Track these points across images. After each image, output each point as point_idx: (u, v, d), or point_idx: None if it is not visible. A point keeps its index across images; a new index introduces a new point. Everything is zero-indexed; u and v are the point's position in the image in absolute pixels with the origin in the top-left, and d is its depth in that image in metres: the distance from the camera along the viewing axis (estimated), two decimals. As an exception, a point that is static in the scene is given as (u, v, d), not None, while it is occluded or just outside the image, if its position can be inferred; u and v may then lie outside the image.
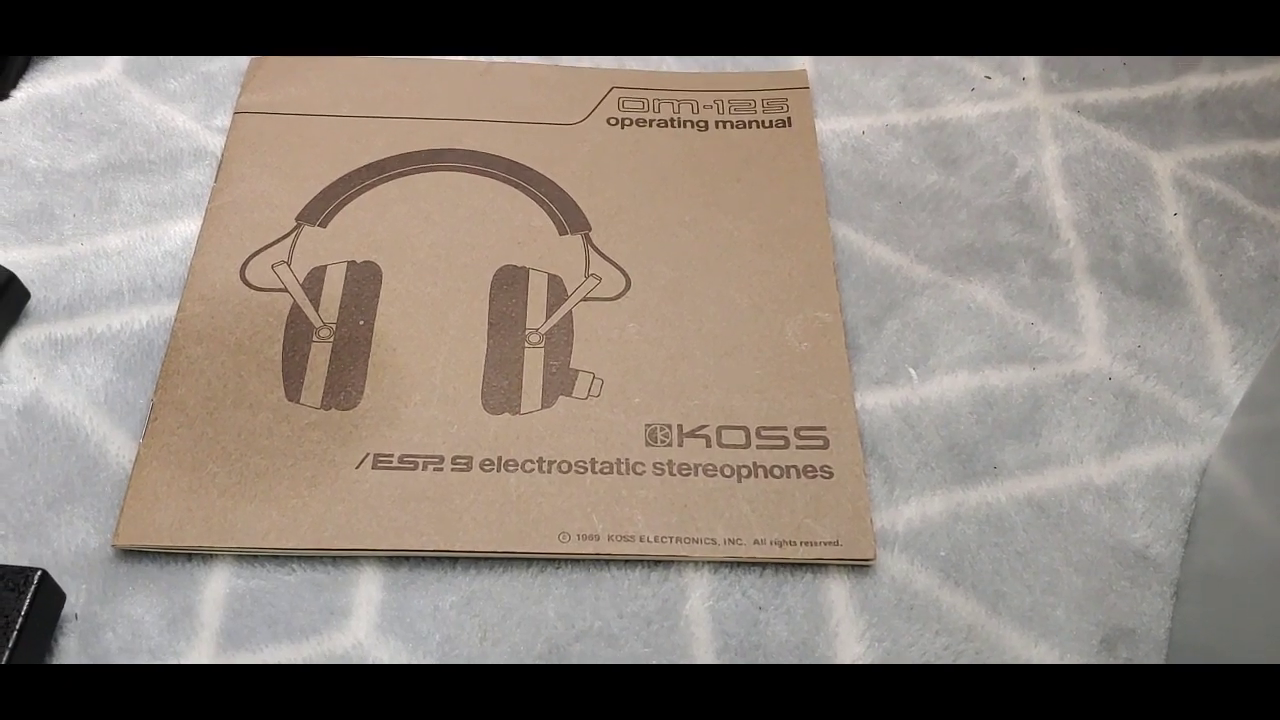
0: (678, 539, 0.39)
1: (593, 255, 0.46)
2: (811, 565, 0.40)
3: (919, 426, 0.43)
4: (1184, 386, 0.45)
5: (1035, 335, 0.46)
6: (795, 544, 0.40)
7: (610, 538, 0.39)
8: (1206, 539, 0.40)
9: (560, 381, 0.43)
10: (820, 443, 0.42)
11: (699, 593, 0.39)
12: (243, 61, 0.52)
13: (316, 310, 0.44)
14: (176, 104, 0.51)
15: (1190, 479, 0.43)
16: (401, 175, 0.48)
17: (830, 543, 0.40)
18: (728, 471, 0.41)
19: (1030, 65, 0.54)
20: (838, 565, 0.40)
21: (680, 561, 0.40)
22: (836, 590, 0.40)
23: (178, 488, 0.39)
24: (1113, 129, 0.52)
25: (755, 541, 0.40)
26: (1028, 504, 0.42)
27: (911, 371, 0.45)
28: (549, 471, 0.40)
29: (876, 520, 0.41)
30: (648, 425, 0.42)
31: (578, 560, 0.40)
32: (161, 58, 0.52)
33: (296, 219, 0.46)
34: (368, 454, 0.40)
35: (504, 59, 0.53)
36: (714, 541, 0.39)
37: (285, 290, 0.44)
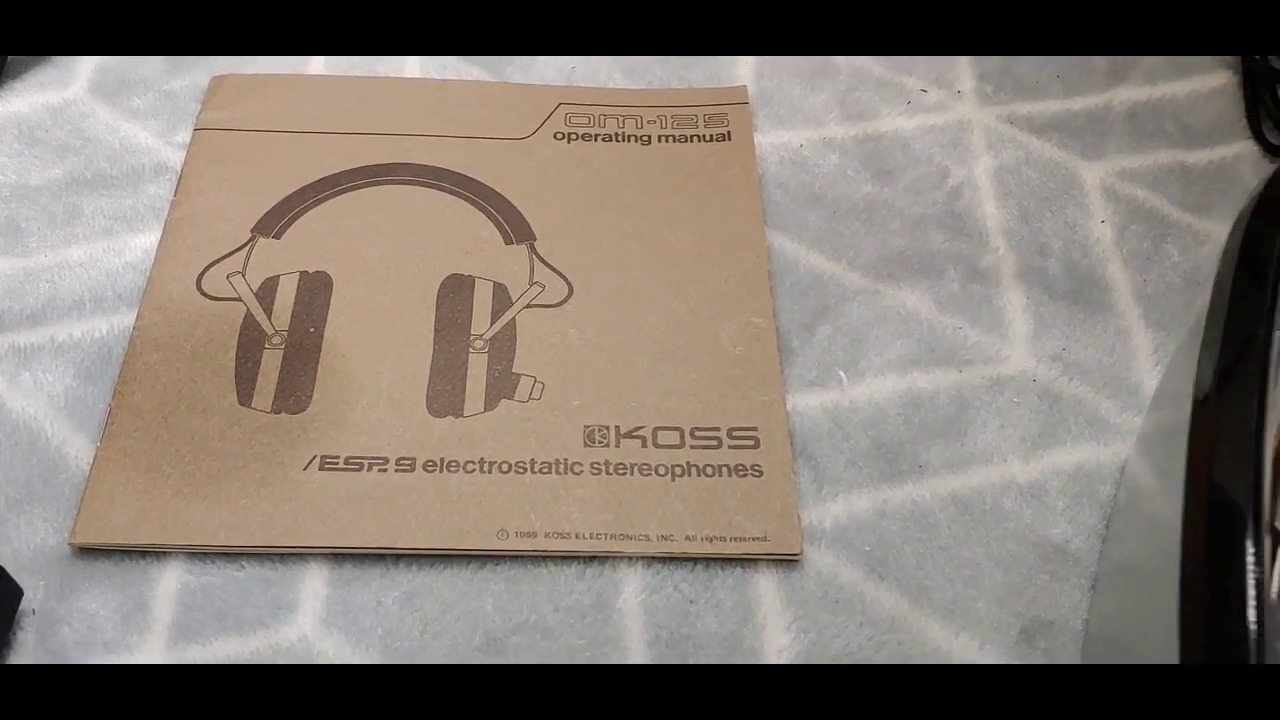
0: (612, 535, 0.41)
1: (537, 264, 0.48)
2: (741, 560, 0.42)
3: (848, 427, 0.45)
4: (1107, 387, 0.47)
5: (963, 339, 0.47)
6: (725, 539, 0.41)
7: (547, 535, 0.41)
8: (1121, 533, 0.42)
9: (503, 385, 0.44)
10: (751, 442, 0.44)
11: (632, 587, 0.41)
12: (204, 79, 0.54)
13: (269, 319, 0.45)
14: (139, 121, 0.52)
15: (1110, 476, 0.44)
16: (354, 188, 0.50)
17: (759, 538, 0.41)
18: (662, 470, 0.43)
19: (966, 78, 0.56)
20: (766, 560, 0.42)
21: (615, 557, 0.41)
22: (765, 584, 0.41)
23: (133, 488, 0.41)
24: (1044, 139, 0.54)
25: (687, 537, 0.41)
26: (952, 501, 0.44)
27: (842, 374, 0.46)
28: (489, 472, 0.42)
29: (805, 517, 0.43)
30: (586, 426, 0.44)
31: (516, 557, 0.41)
32: (126, 76, 0.54)
33: (251, 231, 0.48)
34: (315, 456, 0.42)
35: (456, 76, 0.54)
36: (647, 538, 0.41)
37: (239, 299, 0.46)
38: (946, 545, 0.43)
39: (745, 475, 0.43)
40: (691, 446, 0.43)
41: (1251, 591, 0.31)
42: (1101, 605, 0.41)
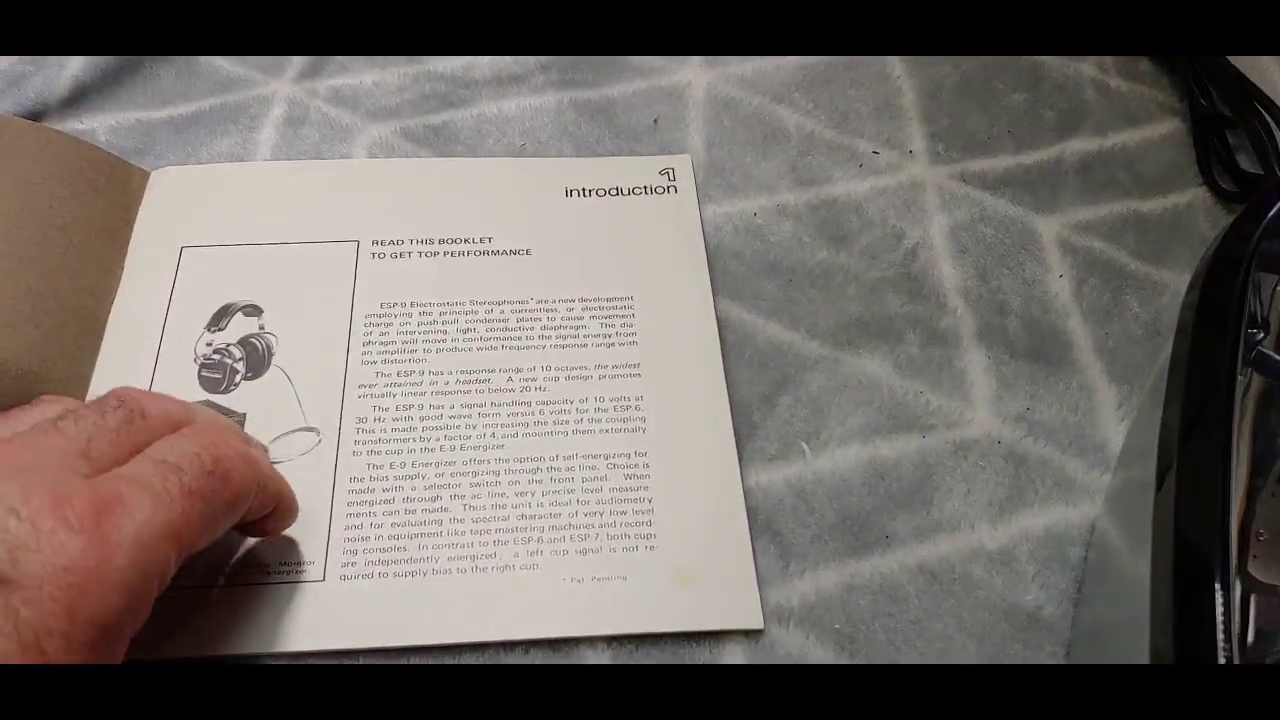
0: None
1: None
2: (709, 645, 0.41)
3: (812, 500, 0.44)
4: (1072, 446, 0.46)
5: (924, 404, 0.47)
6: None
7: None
8: (1093, 596, 0.41)
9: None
10: None
11: (597, 679, 0.40)
12: None
13: None
14: None
15: (1080, 538, 0.44)
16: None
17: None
18: None
19: (917, 138, 0.56)
20: (733, 642, 0.41)
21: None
22: (733, 668, 0.40)
23: None
24: (998, 196, 0.54)
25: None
26: (920, 572, 0.43)
27: (804, 446, 0.46)
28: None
29: (772, 596, 0.42)
30: None
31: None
32: None
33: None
34: None
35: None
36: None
37: None
38: (917, 618, 0.42)
39: None
40: None
41: (1221, 645, 0.30)
42: (1078, 673, 0.40)
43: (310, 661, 0.39)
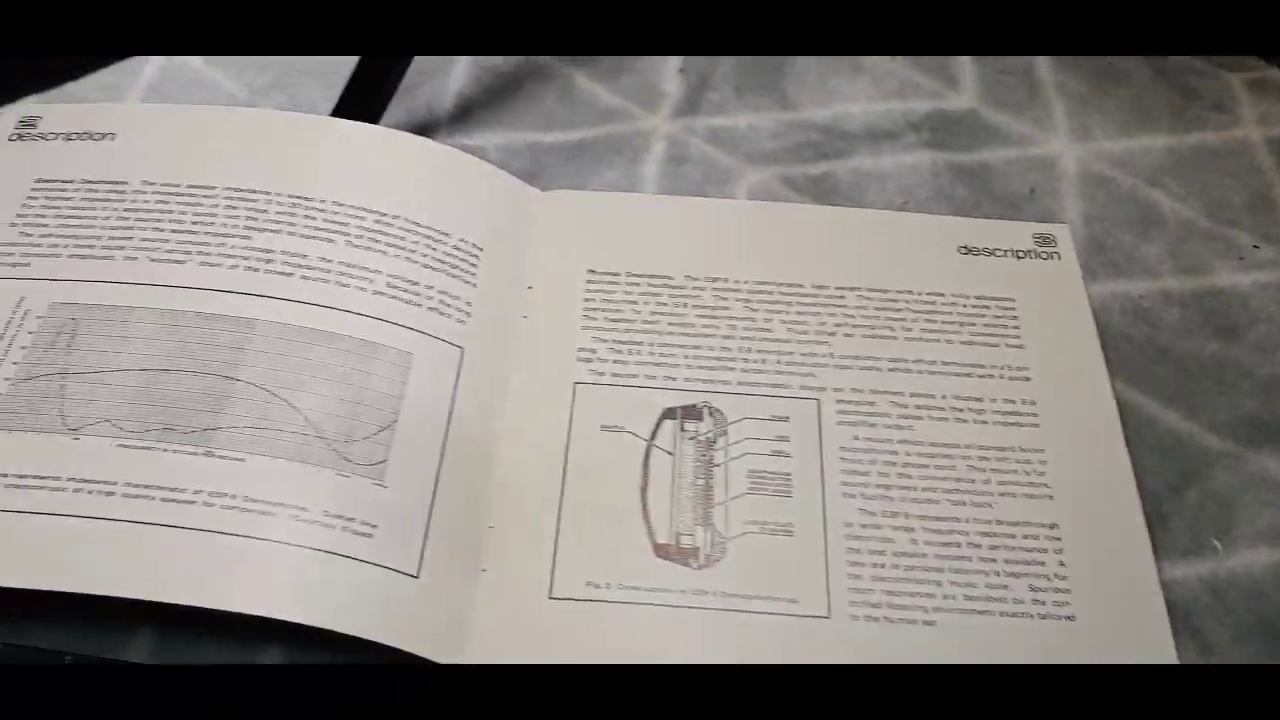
0: None
1: None
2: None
3: (1227, 599, 0.44)
4: None
5: (1336, 512, 0.46)
6: None
7: None
8: None
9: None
10: None
11: None
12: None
13: None
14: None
15: None
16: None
17: None
18: None
19: (1297, 235, 0.56)
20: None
21: None
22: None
23: None
24: (1395, 299, 0.53)
25: None
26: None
27: (1216, 543, 0.45)
28: None
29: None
30: None
31: None
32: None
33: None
34: None
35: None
36: None
37: None
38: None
39: None
40: None
41: None
42: None
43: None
